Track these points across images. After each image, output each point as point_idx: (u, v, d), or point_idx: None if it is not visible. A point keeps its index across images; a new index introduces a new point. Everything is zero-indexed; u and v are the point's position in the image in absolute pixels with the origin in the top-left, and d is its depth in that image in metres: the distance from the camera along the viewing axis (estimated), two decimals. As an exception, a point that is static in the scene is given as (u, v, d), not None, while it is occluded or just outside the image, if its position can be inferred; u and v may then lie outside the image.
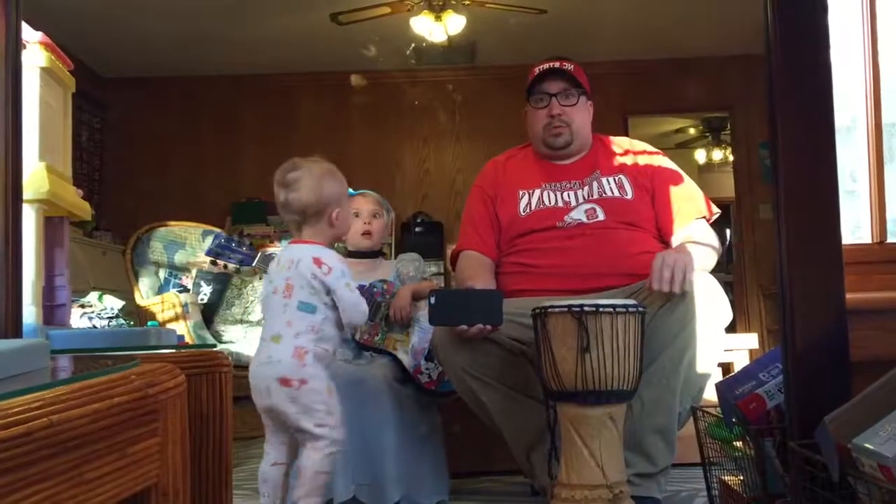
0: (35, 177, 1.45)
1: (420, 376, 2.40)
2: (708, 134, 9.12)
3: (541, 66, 2.38)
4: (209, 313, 4.18)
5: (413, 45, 5.57)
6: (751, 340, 3.10)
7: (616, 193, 2.30)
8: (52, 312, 1.63)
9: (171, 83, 6.44)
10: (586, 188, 2.30)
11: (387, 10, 4.86)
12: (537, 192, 2.34)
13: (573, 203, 2.29)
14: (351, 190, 2.60)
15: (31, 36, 1.51)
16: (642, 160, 2.39)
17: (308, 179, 1.89)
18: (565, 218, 2.27)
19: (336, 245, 3.29)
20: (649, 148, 2.46)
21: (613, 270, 2.19)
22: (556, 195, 2.32)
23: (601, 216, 2.26)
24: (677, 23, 5.66)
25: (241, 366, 3.82)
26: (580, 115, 2.37)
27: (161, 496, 0.92)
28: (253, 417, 3.99)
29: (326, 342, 1.80)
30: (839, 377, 1.06)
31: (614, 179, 2.33)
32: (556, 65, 2.36)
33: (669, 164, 2.40)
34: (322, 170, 1.94)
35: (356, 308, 1.80)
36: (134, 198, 6.16)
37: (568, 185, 2.33)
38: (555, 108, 2.34)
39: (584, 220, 2.26)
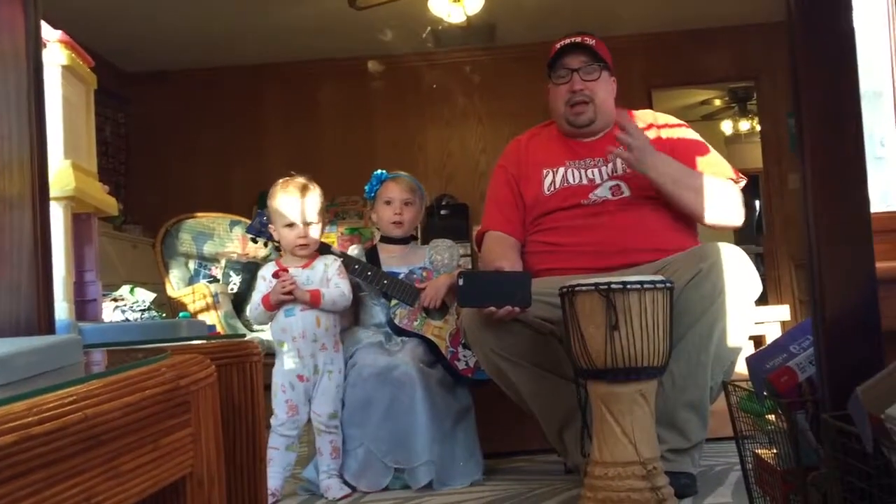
0: (61, 174, 1.47)
1: (457, 363, 2.41)
2: (734, 105, 9.01)
3: (562, 42, 2.36)
4: (239, 302, 4.21)
5: (430, 28, 5.54)
6: (782, 312, 3.07)
7: None
8: (84, 308, 1.66)
9: (192, 75, 6.47)
10: (610, 165, 2.28)
11: (404, -8, 4.83)
12: (561, 170, 2.32)
13: (597, 180, 2.27)
14: (385, 172, 2.61)
15: (51, 35, 1.52)
16: (665, 133, 2.36)
17: None
18: (590, 195, 2.26)
19: (366, 230, 3.48)
20: (672, 120, 2.43)
21: (640, 246, 2.17)
22: (580, 173, 2.30)
23: (626, 192, 2.24)
24: (698, -7, 5.58)
25: (273, 354, 3.87)
26: (602, 89, 2.34)
27: (196, 485, 0.93)
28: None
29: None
30: (870, 347, 1.04)
31: None
32: (578, 39, 2.33)
33: (693, 135, 2.38)
34: None
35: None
36: (161, 190, 6.22)
37: (592, 163, 2.31)
38: (576, 83, 2.31)
39: (609, 196, 2.25)
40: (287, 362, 2.28)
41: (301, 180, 2.34)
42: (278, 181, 2.36)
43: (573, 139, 2.38)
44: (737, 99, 8.82)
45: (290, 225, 2.30)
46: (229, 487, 1.09)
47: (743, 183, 2.31)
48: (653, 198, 2.23)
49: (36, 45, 1.10)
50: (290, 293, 2.25)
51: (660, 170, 2.15)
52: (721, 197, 2.23)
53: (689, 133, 2.39)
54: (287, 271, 2.28)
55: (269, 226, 2.40)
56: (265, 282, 2.33)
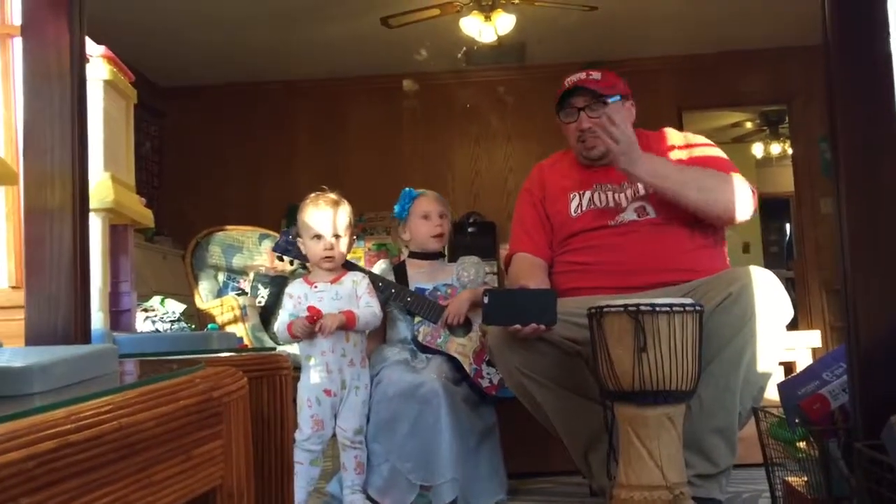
0: (100, 187, 1.50)
1: (481, 381, 2.41)
2: (765, 128, 8.95)
3: (569, 80, 2.37)
4: (266, 315, 4.24)
5: (464, 48, 5.57)
6: (813, 338, 3.03)
7: None
8: (119, 318, 1.68)
9: (225, 90, 6.56)
10: (634, 187, 2.28)
11: (436, 11, 4.87)
12: (588, 192, 2.32)
13: (623, 204, 2.27)
14: (413, 190, 2.63)
15: (94, 50, 1.56)
16: (682, 150, 2.35)
17: None
18: (616, 218, 2.25)
19: (393, 245, 3.44)
20: (691, 136, 2.41)
21: (668, 266, 2.16)
22: (606, 196, 2.30)
23: (651, 213, 2.24)
24: (732, 15, 5.55)
25: (298, 368, 3.88)
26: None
27: (226, 497, 0.94)
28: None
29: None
30: (906, 376, 1.03)
31: None
32: (583, 76, 2.35)
33: (708, 149, 2.36)
34: None
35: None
36: (192, 203, 6.29)
37: (616, 187, 2.30)
38: (584, 123, 2.32)
39: (636, 217, 2.24)
40: (314, 376, 2.28)
41: (332, 195, 2.35)
42: (309, 195, 2.38)
43: (592, 168, 2.38)
44: (768, 122, 8.77)
45: (318, 237, 2.30)
46: (258, 500, 1.10)
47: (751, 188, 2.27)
48: (680, 218, 2.22)
49: (80, 60, 1.13)
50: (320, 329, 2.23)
51: (646, 167, 2.14)
52: (721, 184, 2.20)
53: (705, 147, 2.37)
54: (321, 316, 2.23)
55: (298, 240, 2.40)
56: (292, 300, 2.32)
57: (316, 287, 2.32)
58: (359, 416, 2.30)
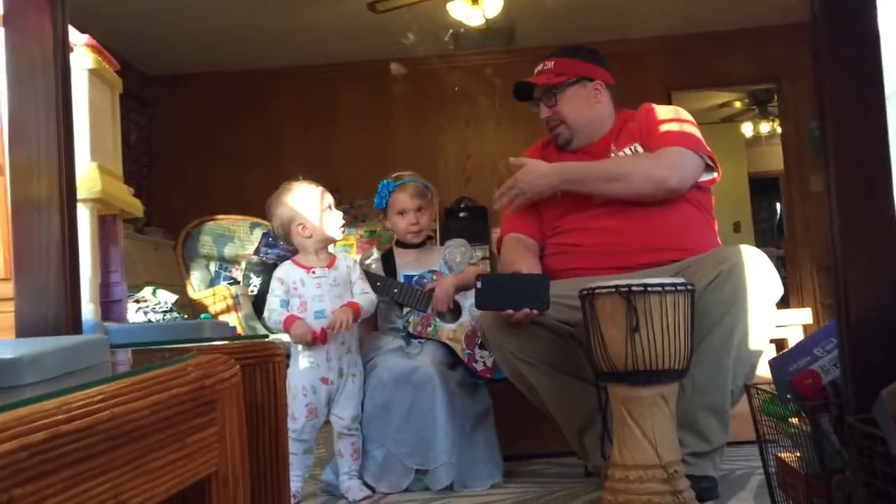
0: (88, 177, 1.49)
1: (475, 364, 2.42)
2: (754, 107, 8.96)
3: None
4: (259, 304, 4.23)
5: (451, 31, 5.55)
6: (804, 315, 3.05)
7: None
8: (110, 308, 1.68)
9: (213, 78, 6.52)
10: None
11: (423, -5, 4.85)
12: None
13: None
14: (391, 182, 2.60)
15: (77, 39, 1.54)
16: (646, 120, 2.34)
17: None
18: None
19: (385, 232, 3.41)
20: (663, 110, 2.38)
21: (659, 245, 2.17)
22: None
23: None
24: (719, -6, 5.55)
25: (288, 355, 3.88)
26: (569, 107, 2.36)
27: (221, 484, 0.94)
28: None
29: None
30: (895, 350, 1.04)
31: (629, 149, 2.30)
32: (540, 67, 2.41)
33: (666, 112, 2.35)
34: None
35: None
36: (182, 193, 6.27)
37: None
38: (543, 112, 2.39)
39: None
40: (303, 362, 2.25)
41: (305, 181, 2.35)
42: (281, 186, 2.35)
43: (571, 151, 2.39)
44: (757, 101, 8.78)
45: (328, 210, 2.30)
46: (253, 487, 1.10)
47: (704, 164, 2.26)
48: (670, 198, 2.22)
49: (63, 49, 1.12)
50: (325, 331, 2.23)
51: (551, 182, 2.22)
52: (633, 167, 2.22)
53: (664, 110, 2.36)
54: (325, 339, 2.22)
55: (296, 225, 2.30)
56: (283, 285, 2.27)
57: (314, 272, 2.28)
58: (355, 403, 2.30)
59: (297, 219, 2.29)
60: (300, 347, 2.26)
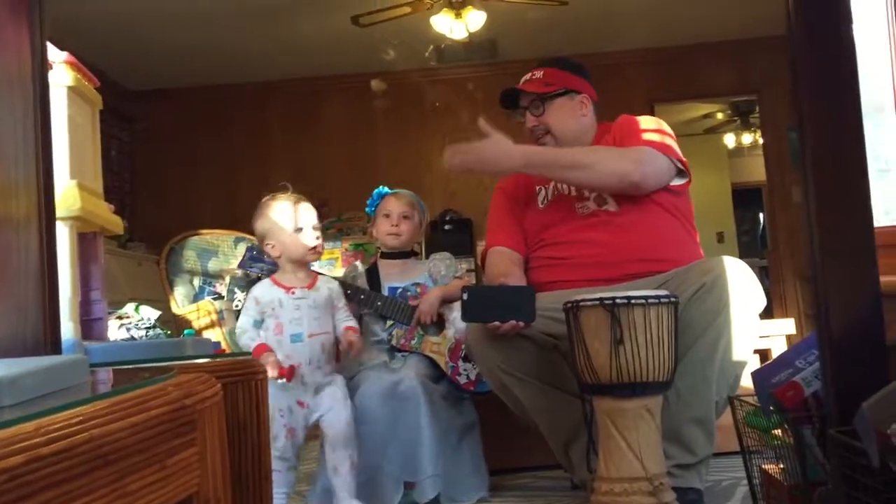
0: (67, 195, 1.48)
1: (458, 377, 2.41)
2: (736, 118, 9.03)
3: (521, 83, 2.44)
4: (243, 320, 4.22)
5: (432, 45, 5.57)
6: (788, 326, 3.06)
7: None
8: (90, 326, 1.66)
9: (197, 93, 6.51)
10: None
11: (407, 9, 4.86)
12: (552, 183, 2.36)
13: (586, 192, 2.29)
14: (386, 189, 2.64)
15: (56, 56, 1.53)
16: (622, 131, 2.36)
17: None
18: (584, 203, 2.28)
19: (370, 245, 3.26)
20: (642, 121, 2.40)
21: (641, 256, 2.18)
22: (569, 186, 2.32)
23: (610, 203, 2.26)
24: (699, 8, 5.61)
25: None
26: (556, 118, 2.37)
27: (202, 504, 0.93)
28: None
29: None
30: (876, 362, 1.04)
31: None
32: (528, 77, 2.43)
33: (645, 122, 2.36)
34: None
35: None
36: (166, 208, 6.24)
37: None
38: (529, 121, 2.40)
39: (596, 207, 2.27)
40: (284, 386, 2.12)
41: (289, 192, 2.26)
42: (263, 199, 2.25)
43: None
44: (739, 112, 8.85)
45: (299, 230, 2.17)
46: (235, 506, 1.09)
47: (676, 169, 2.26)
48: (650, 209, 2.24)
49: (42, 66, 1.11)
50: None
51: (513, 164, 2.18)
52: (602, 157, 2.21)
53: (636, 120, 2.37)
54: (292, 375, 2.12)
55: (267, 244, 2.22)
56: (259, 305, 2.16)
57: (293, 293, 2.17)
58: (345, 406, 2.19)
59: (268, 236, 2.20)
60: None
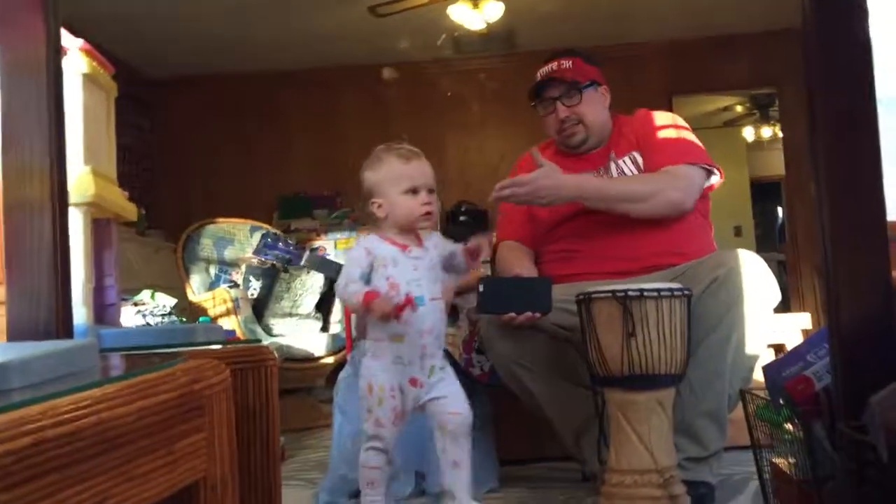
0: (81, 181, 1.49)
1: (472, 370, 2.41)
2: (755, 111, 8.95)
3: (541, 72, 2.39)
4: (260, 307, 4.24)
5: (446, 35, 5.55)
6: (804, 320, 3.04)
7: (633, 171, 2.28)
8: (103, 312, 1.68)
9: (215, 81, 6.53)
10: (607, 174, 2.30)
11: (424, -1, 4.86)
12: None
13: None
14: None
15: (71, 43, 1.54)
16: (644, 128, 2.35)
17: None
18: None
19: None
20: (661, 116, 2.39)
21: (655, 250, 2.17)
22: None
23: None
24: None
25: (293, 359, 3.89)
26: (590, 108, 2.34)
27: (209, 490, 0.94)
28: (305, 409, 4.04)
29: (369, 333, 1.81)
30: (887, 357, 1.03)
31: (629, 158, 2.30)
32: (555, 66, 2.37)
33: (669, 131, 2.35)
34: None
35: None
36: (184, 196, 6.29)
37: (595, 173, 2.31)
38: (561, 112, 2.34)
39: None
40: (388, 356, 1.79)
41: (408, 146, 1.92)
42: (377, 148, 1.93)
43: (574, 155, 2.39)
44: (758, 105, 8.77)
45: (413, 191, 1.81)
46: (243, 492, 1.10)
47: (707, 174, 2.27)
48: None
49: (56, 53, 1.12)
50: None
51: (569, 194, 2.16)
52: (652, 187, 2.19)
53: (661, 117, 2.37)
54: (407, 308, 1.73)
55: (372, 203, 1.86)
56: (370, 257, 1.79)
57: (409, 251, 1.80)
58: (460, 389, 1.83)
59: (376, 192, 1.86)
60: (388, 335, 1.78)
